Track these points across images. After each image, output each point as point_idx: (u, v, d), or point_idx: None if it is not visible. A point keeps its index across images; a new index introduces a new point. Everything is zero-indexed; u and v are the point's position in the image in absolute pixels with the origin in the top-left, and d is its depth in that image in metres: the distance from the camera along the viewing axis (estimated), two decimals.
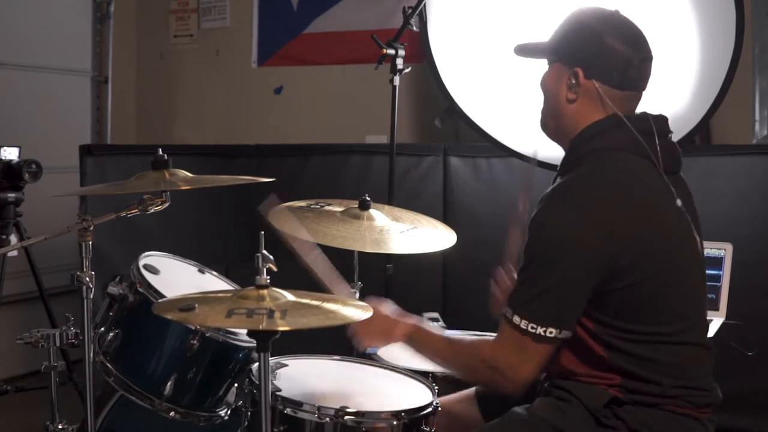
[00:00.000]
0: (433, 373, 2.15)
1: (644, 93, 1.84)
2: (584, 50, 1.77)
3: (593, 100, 1.78)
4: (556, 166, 1.91)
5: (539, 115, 1.91)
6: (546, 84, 1.87)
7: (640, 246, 1.68)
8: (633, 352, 1.71)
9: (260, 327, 1.58)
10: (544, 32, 3.22)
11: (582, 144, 1.79)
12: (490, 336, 1.86)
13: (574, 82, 1.78)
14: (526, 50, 1.94)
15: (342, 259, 2.49)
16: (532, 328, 1.68)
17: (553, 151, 3.27)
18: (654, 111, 1.83)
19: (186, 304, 1.66)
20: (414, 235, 2.31)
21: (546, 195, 1.74)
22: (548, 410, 1.78)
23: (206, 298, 1.74)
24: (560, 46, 1.83)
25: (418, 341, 1.92)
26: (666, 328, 1.71)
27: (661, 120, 1.81)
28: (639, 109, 1.84)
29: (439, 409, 1.93)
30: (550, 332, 1.68)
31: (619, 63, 1.75)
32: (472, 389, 2.09)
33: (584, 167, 1.76)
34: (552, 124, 1.88)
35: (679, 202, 1.74)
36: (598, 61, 1.76)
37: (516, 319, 1.70)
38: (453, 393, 2.11)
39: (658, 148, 1.74)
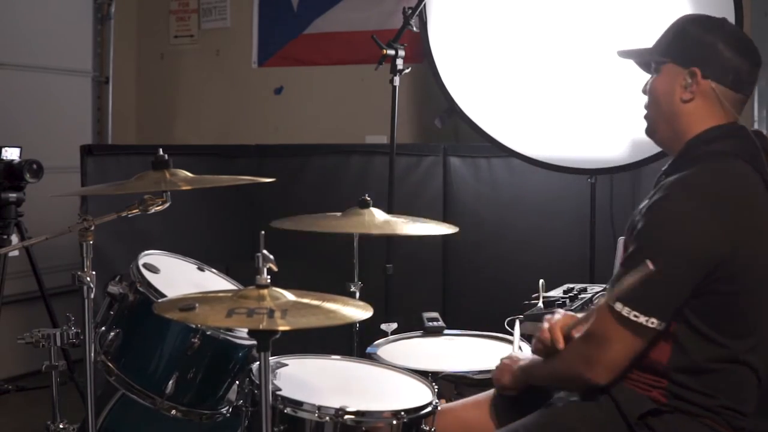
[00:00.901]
0: (433, 372, 2.15)
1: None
2: (700, 51, 1.78)
3: (710, 101, 1.77)
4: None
5: (645, 122, 1.90)
6: (656, 87, 1.85)
7: (751, 255, 1.67)
8: (699, 360, 1.69)
9: (260, 326, 1.58)
10: (544, 32, 3.25)
11: (699, 146, 1.77)
12: None
13: (689, 81, 1.78)
14: (630, 53, 1.95)
15: (342, 259, 2.51)
16: (635, 316, 1.64)
17: (549, 151, 3.29)
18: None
19: (186, 303, 1.67)
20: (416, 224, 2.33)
21: (666, 184, 1.72)
22: (572, 416, 1.76)
23: (207, 298, 1.75)
24: (673, 47, 1.82)
25: (525, 372, 1.92)
26: (739, 343, 1.70)
27: None
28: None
29: (439, 409, 1.93)
30: (652, 323, 1.65)
31: (733, 66, 1.76)
32: (488, 393, 2.07)
33: (702, 167, 1.73)
34: (664, 127, 1.86)
35: None
36: (714, 62, 1.76)
37: (618, 306, 1.65)
38: (462, 397, 2.10)
39: None
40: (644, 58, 1.91)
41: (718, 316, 1.68)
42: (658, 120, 1.87)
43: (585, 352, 1.73)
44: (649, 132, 1.91)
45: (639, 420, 1.70)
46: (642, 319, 1.64)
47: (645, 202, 1.75)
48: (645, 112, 1.90)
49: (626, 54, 1.96)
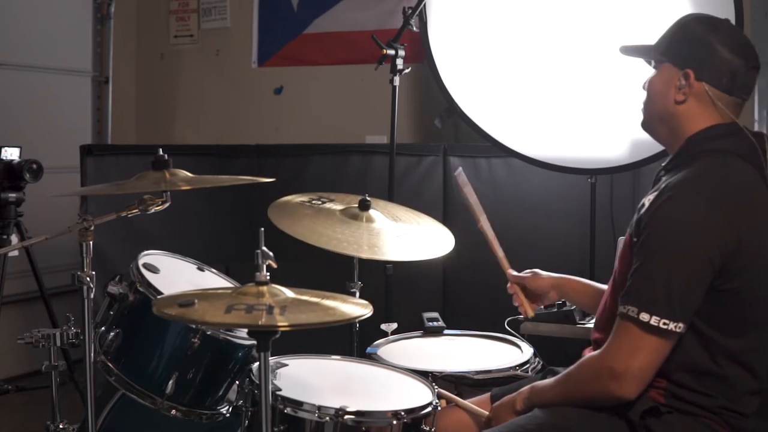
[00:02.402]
0: (433, 372, 2.15)
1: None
2: (695, 53, 1.78)
3: (704, 103, 1.78)
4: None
5: (640, 115, 1.92)
6: (653, 85, 1.87)
7: (752, 252, 1.67)
8: (698, 360, 1.69)
9: (259, 322, 1.58)
10: (544, 32, 3.24)
11: (699, 143, 1.77)
12: None
13: (684, 83, 1.78)
14: (631, 50, 1.96)
15: (342, 259, 2.50)
16: (665, 324, 1.63)
17: (549, 151, 3.29)
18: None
19: (185, 299, 1.67)
20: (411, 239, 2.30)
21: (671, 185, 1.71)
22: (571, 416, 1.76)
23: (206, 295, 1.75)
24: (671, 47, 1.83)
25: (537, 395, 1.86)
26: (737, 342, 1.70)
27: None
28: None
29: (439, 409, 1.93)
30: (679, 327, 1.64)
31: (729, 68, 1.76)
32: (488, 394, 2.07)
33: (704, 164, 1.74)
34: (659, 126, 1.87)
35: None
36: (709, 64, 1.76)
37: (644, 316, 1.64)
38: (462, 398, 2.10)
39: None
40: (645, 56, 1.92)
41: (718, 314, 1.69)
42: (653, 117, 1.89)
43: (611, 366, 1.68)
44: (645, 127, 1.92)
45: (640, 420, 1.69)
46: (671, 326, 1.63)
47: (648, 200, 1.74)
48: (642, 106, 1.91)
49: (628, 51, 1.96)
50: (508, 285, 2.23)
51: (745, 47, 1.79)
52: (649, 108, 1.89)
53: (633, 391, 1.68)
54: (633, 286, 1.69)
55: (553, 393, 1.82)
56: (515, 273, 2.24)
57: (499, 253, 2.30)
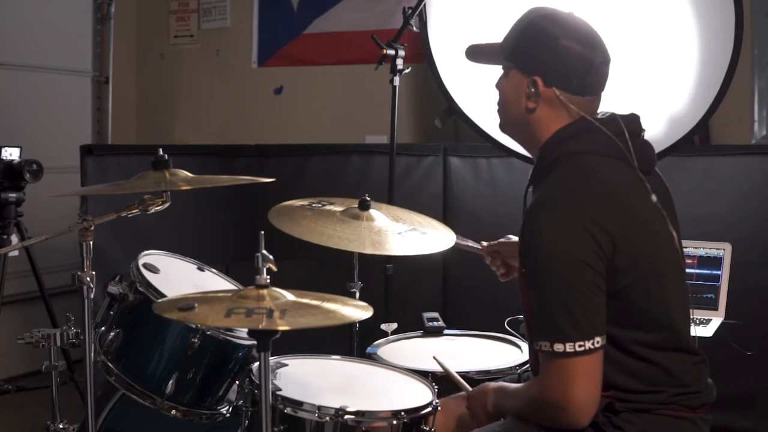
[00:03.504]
0: (432, 372, 2.15)
1: (613, 93, 1.81)
2: (542, 56, 1.72)
3: (555, 107, 1.73)
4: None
5: (497, 117, 1.87)
6: (503, 91, 1.82)
7: (630, 246, 1.64)
8: (627, 363, 1.67)
9: (260, 326, 1.58)
10: None
11: (552, 150, 1.73)
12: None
13: (533, 90, 1.73)
14: (478, 54, 1.88)
15: (342, 259, 2.51)
16: (580, 346, 1.58)
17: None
18: (632, 111, 1.79)
19: (186, 303, 1.67)
20: (413, 236, 2.31)
21: (530, 212, 1.69)
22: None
23: (206, 298, 1.75)
24: (516, 52, 1.77)
25: (502, 404, 1.83)
26: (654, 335, 1.68)
27: (633, 119, 1.76)
28: (643, 111, 1.80)
29: (439, 409, 1.93)
30: (597, 342, 1.60)
31: (579, 68, 1.70)
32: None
33: (559, 174, 1.70)
34: (515, 132, 1.84)
35: (654, 198, 1.71)
36: (557, 67, 1.71)
37: (558, 347, 1.59)
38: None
39: (632, 147, 1.70)
40: (491, 62, 1.85)
41: (626, 315, 1.66)
42: (508, 124, 1.85)
43: (553, 402, 1.63)
44: (503, 131, 1.88)
45: (603, 416, 1.67)
46: (588, 344, 1.59)
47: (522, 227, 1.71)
48: (497, 108, 1.86)
49: (474, 56, 1.89)
50: (488, 261, 2.41)
51: (593, 42, 1.73)
52: (503, 113, 1.85)
53: (585, 418, 1.63)
54: (537, 320, 1.65)
55: (514, 409, 1.79)
56: (487, 244, 2.40)
57: (471, 244, 2.47)
